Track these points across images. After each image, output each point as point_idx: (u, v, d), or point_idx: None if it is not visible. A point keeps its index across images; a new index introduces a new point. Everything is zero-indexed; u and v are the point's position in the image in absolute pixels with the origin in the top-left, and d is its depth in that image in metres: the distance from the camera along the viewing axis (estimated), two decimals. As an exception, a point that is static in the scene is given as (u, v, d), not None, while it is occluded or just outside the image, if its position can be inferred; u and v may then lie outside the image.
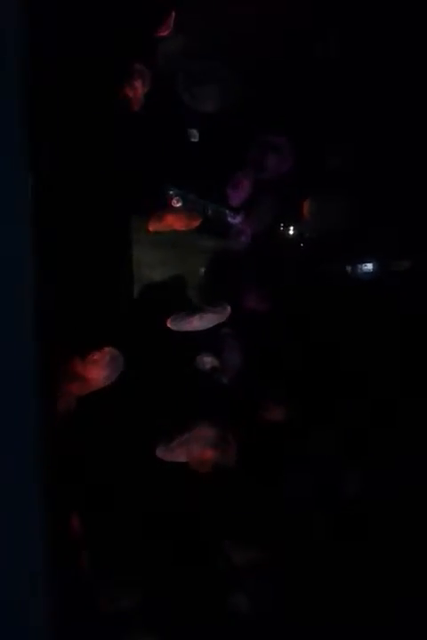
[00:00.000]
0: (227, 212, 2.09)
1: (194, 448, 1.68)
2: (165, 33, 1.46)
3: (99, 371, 1.60)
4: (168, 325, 1.63)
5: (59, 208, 1.64)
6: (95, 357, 1.61)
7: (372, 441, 1.80)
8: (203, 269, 2.07)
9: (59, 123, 1.57)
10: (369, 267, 2.17)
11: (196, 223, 1.75)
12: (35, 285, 1.15)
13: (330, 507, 1.75)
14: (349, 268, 2.15)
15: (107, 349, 1.62)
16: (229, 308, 1.69)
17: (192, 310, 1.64)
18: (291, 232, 2.21)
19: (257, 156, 1.75)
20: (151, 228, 1.72)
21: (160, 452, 1.58)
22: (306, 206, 1.80)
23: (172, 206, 1.74)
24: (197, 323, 1.61)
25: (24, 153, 1.16)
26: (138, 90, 1.48)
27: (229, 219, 1.79)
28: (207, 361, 1.88)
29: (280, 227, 2.18)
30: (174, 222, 1.71)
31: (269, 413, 1.85)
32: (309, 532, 1.75)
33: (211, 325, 1.63)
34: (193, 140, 1.67)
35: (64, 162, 1.66)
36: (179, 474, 1.67)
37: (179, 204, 1.75)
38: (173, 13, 1.45)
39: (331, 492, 1.76)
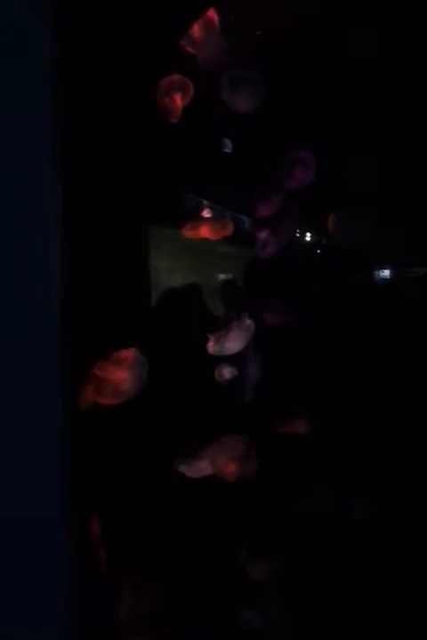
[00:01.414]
0: (244, 218, 2.06)
1: (217, 461, 1.67)
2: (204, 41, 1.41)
3: (121, 372, 1.57)
4: (210, 351, 1.60)
5: (84, 215, 1.61)
6: (117, 357, 1.58)
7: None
8: (222, 276, 2.05)
9: (88, 131, 1.52)
10: (386, 273, 2.17)
11: (228, 232, 1.73)
12: (60, 289, 1.17)
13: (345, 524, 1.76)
14: (367, 275, 2.15)
15: (129, 351, 1.59)
16: (252, 323, 1.67)
17: (219, 328, 1.61)
18: (308, 238, 2.20)
19: (282, 168, 1.74)
20: (186, 233, 1.72)
21: (182, 468, 1.56)
22: (331, 220, 1.79)
23: (203, 216, 1.71)
24: (229, 346, 1.58)
25: (55, 164, 1.17)
26: (177, 102, 1.44)
27: (256, 232, 1.76)
28: (226, 372, 1.86)
29: (297, 233, 2.17)
30: (207, 232, 1.69)
31: (290, 426, 1.84)
32: (324, 547, 1.75)
33: (240, 346, 1.61)
34: (226, 150, 1.64)
35: (90, 169, 1.63)
36: (198, 484, 1.66)
37: (209, 215, 1.72)
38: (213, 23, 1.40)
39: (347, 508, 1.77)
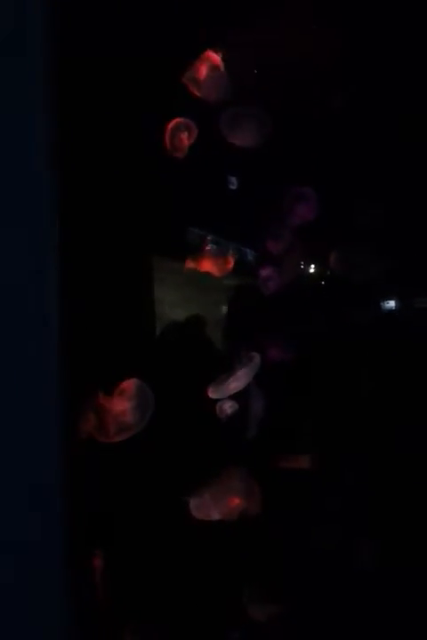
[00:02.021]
0: (248, 251, 2.06)
1: (223, 497, 1.65)
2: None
3: (123, 402, 1.55)
4: (210, 395, 1.59)
5: (83, 246, 1.61)
6: (119, 389, 1.56)
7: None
8: (225, 308, 2.04)
9: (87, 163, 1.53)
10: (392, 304, 2.16)
11: (230, 266, 1.74)
12: (59, 320, 1.14)
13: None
14: (372, 308, 2.14)
15: (130, 381, 1.57)
16: (258, 358, 1.66)
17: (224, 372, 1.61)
18: (312, 270, 2.20)
19: (285, 203, 1.75)
20: (188, 265, 1.74)
21: (193, 510, 1.54)
22: (334, 256, 1.79)
23: (205, 250, 1.72)
24: (235, 385, 1.57)
25: (52, 195, 1.15)
26: (183, 141, 1.45)
27: (259, 269, 1.77)
28: (228, 406, 1.84)
29: (301, 265, 2.17)
30: (210, 266, 1.70)
31: (293, 462, 1.83)
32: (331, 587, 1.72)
33: (246, 383, 1.60)
34: (232, 186, 1.64)
35: (90, 201, 1.63)
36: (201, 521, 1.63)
37: (211, 249, 1.73)
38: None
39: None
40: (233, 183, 1.68)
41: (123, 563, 1.65)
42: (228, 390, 1.58)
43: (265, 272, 1.73)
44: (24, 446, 1.08)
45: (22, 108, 1.10)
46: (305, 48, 1.74)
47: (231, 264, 1.74)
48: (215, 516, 1.58)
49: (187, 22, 1.54)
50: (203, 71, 1.40)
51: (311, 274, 2.19)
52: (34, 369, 1.10)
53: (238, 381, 1.58)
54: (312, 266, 2.18)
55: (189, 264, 1.67)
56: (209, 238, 1.79)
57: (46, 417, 1.12)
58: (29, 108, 1.11)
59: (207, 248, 1.72)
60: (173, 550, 1.71)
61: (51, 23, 1.14)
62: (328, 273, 2.19)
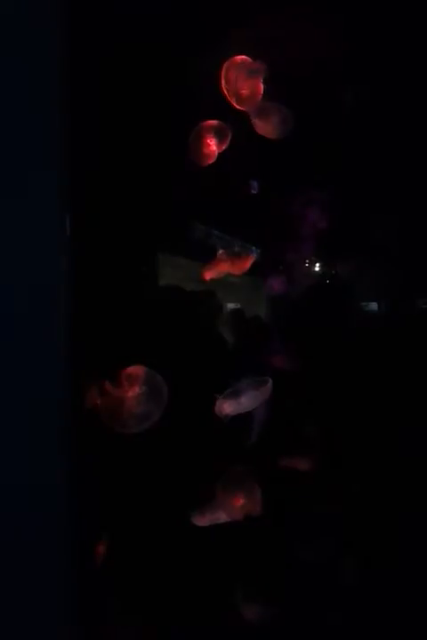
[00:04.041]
0: (253, 248, 2.02)
1: (226, 495, 1.64)
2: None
3: (133, 389, 1.53)
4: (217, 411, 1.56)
5: (90, 241, 1.56)
6: (126, 374, 1.54)
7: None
8: (231, 305, 2.00)
9: (98, 163, 1.51)
10: (397, 306, 2.14)
11: (248, 264, 1.71)
12: (67, 311, 1.17)
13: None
14: (378, 306, 2.13)
15: (138, 367, 1.55)
16: (270, 383, 1.63)
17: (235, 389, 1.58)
18: (317, 269, 2.16)
19: (298, 208, 1.71)
20: (207, 276, 1.70)
21: (197, 520, 1.53)
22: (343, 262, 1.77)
23: (220, 256, 1.67)
24: (246, 402, 1.55)
25: (64, 192, 1.17)
26: (211, 147, 1.37)
27: (272, 282, 1.74)
28: (227, 406, 1.82)
29: (306, 263, 2.13)
30: (229, 267, 1.66)
31: (296, 462, 1.83)
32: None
33: (257, 404, 1.58)
34: (253, 191, 1.59)
35: (100, 197, 1.60)
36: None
37: (224, 254, 1.69)
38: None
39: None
40: (254, 188, 1.62)
41: (125, 553, 1.65)
42: (236, 408, 1.55)
43: (274, 283, 1.70)
44: (33, 430, 1.10)
45: (34, 105, 1.11)
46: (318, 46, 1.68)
47: (249, 261, 1.71)
48: (222, 518, 1.57)
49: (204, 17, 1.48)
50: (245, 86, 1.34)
51: (316, 272, 2.16)
52: (44, 356, 1.11)
53: (248, 402, 1.55)
54: (317, 265, 2.15)
55: (207, 274, 1.62)
56: (214, 233, 1.74)
57: (53, 408, 1.13)
58: (41, 105, 1.12)
59: (220, 254, 1.67)
60: (172, 543, 1.70)
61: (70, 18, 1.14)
62: (333, 272, 2.16)
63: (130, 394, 1.51)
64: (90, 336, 1.42)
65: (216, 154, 1.43)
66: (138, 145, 1.59)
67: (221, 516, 1.59)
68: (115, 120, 1.51)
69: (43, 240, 1.14)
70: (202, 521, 1.56)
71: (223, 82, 1.36)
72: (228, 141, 1.42)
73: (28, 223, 1.12)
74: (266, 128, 1.52)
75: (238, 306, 2.03)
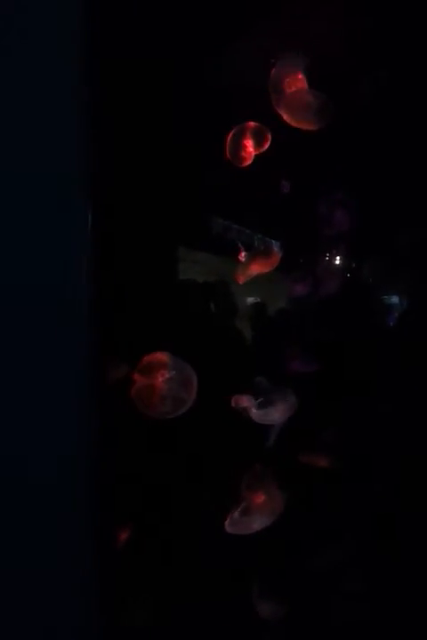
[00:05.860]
0: (273, 242, 1.98)
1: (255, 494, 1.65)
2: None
3: (161, 373, 1.53)
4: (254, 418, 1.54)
5: (112, 236, 1.53)
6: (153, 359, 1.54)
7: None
8: (251, 299, 1.98)
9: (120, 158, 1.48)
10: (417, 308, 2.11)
11: (276, 262, 1.70)
12: (91, 302, 1.17)
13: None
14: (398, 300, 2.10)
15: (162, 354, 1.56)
16: (294, 399, 1.62)
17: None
18: (337, 262, 2.13)
19: (325, 210, 1.68)
20: (240, 280, 1.69)
21: (230, 527, 1.53)
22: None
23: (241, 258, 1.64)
24: (278, 414, 1.54)
25: (84, 185, 1.17)
26: (248, 148, 1.32)
27: (296, 285, 1.71)
28: (245, 400, 1.81)
29: (326, 257, 2.10)
30: (258, 268, 1.65)
31: (315, 459, 1.83)
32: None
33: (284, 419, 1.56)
34: (284, 191, 1.55)
35: (122, 192, 1.58)
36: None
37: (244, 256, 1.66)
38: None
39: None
40: (286, 187, 1.58)
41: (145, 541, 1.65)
42: (262, 418, 1.55)
43: (299, 288, 1.68)
44: (58, 415, 1.10)
45: (59, 106, 1.10)
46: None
47: (277, 258, 1.70)
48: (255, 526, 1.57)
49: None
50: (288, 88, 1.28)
51: (337, 265, 2.13)
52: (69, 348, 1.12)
53: (277, 413, 1.54)
54: (338, 257, 2.12)
55: (240, 278, 1.59)
56: (234, 227, 1.71)
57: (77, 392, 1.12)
58: (66, 106, 1.11)
59: (241, 256, 1.64)
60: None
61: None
62: (354, 265, 2.13)
63: (159, 378, 1.50)
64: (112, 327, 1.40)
65: (253, 156, 1.38)
66: (160, 139, 1.56)
67: (254, 525, 1.58)
68: (140, 116, 1.47)
69: (66, 233, 1.14)
70: (234, 528, 1.55)
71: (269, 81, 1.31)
72: (267, 144, 1.37)
73: (52, 216, 1.12)
74: (306, 116, 1.46)
75: (258, 300, 2.01)
